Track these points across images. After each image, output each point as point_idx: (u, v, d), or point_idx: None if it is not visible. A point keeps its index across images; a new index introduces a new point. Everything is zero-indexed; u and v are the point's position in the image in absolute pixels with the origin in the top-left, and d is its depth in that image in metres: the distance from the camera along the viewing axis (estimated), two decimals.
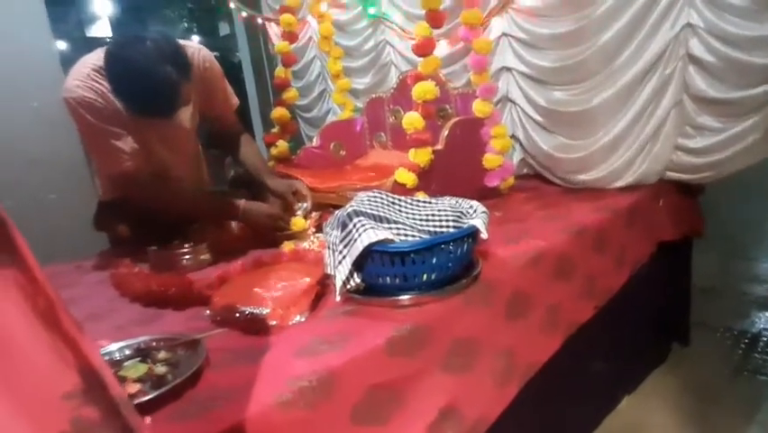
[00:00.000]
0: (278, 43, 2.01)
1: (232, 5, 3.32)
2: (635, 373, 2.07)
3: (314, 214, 1.76)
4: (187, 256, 1.49)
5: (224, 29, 7.19)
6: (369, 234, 1.05)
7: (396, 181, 1.54)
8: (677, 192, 1.95)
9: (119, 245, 1.76)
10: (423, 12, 1.61)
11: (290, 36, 2.04)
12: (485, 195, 1.85)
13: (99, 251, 1.85)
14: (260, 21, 3.14)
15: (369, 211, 1.13)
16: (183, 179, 1.72)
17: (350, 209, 1.12)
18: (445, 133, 1.65)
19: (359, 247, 1.05)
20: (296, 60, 2.09)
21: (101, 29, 8.20)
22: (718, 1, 1.52)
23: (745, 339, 2.55)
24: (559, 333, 1.39)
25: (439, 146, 1.63)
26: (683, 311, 2.33)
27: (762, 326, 2.67)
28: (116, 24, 8.08)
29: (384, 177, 1.84)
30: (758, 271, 3.25)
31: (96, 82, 1.45)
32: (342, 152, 2.22)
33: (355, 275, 1.11)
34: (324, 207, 1.79)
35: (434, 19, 1.52)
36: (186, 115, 1.68)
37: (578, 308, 1.48)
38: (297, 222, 1.68)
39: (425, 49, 1.53)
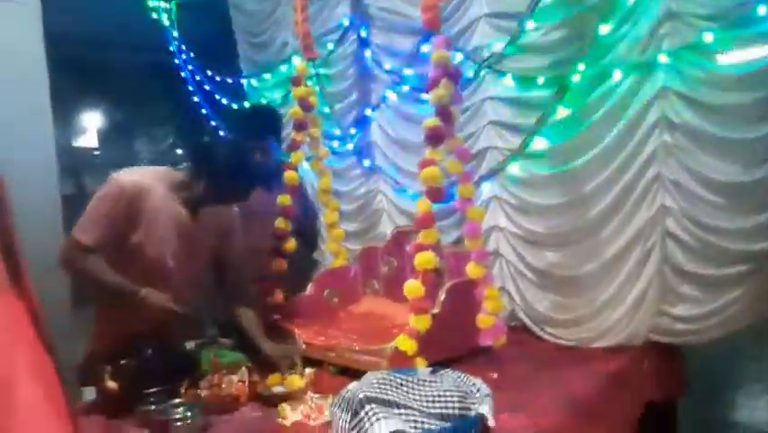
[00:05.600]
0: (281, 196, 2.12)
1: None
2: None
3: (308, 371, 1.75)
4: (179, 423, 1.44)
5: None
6: (381, 426, 1.05)
7: (396, 348, 1.56)
8: (661, 353, 2.01)
9: (106, 399, 1.69)
10: (415, 169, 1.75)
11: (293, 190, 2.16)
12: (478, 353, 1.88)
13: (87, 402, 1.76)
14: None
15: (378, 396, 1.15)
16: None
17: (360, 395, 1.13)
18: (442, 297, 1.71)
19: None
20: (295, 214, 2.19)
21: (87, 140, 8.38)
22: (691, 193, 1.70)
23: None
24: None
25: (436, 310, 1.68)
26: None
27: None
28: (103, 137, 8.30)
29: (379, 331, 1.87)
30: (736, 418, 3.26)
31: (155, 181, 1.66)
32: (335, 299, 2.25)
33: None
34: (320, 364, 1.79)
35: (435, 195, 1.65)
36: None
37: None
38: (293, 380, 1.66)
39: (425, 223, 1.64)
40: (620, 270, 1.88)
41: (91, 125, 8.50)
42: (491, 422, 1.13)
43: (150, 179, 1.68)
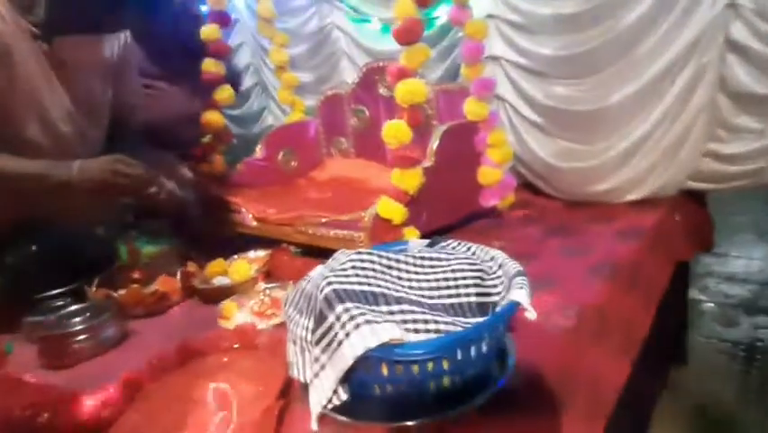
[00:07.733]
0: (205, 28, 1.54)
1: None
2: (642, 411, 1.79)
3: (261, 254, 1.34)
4: (81, 336, 1.03)
5: None
6: (362, 336, 0.65)
7: (377, 216, 1.13)
8: (692, 204, 1.67)
9: None
10: None
11: (221, 18, 1.57)
12: (478, 216, 1.49)
13: None
14: None
15: (356, 288, 0.73)
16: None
17: (328, 289, 0.71)
18: (435, 144, 1.26)
19: (348, 356, 0.65)
20: (229, 50, 1.63)
21: None
22: None
23: (741, 351, 2.38)
24: (602, 415, 1.05)
25: (427, 162, 1.23)
26: (681, 327, 2.11)
27: (752, 334, 2.52)
28: None
29: (352, 199, 1.43)
30: (733, 269, 3.15)
31: None
32: (294, 163, 1.79)
33: (340, 389, 0.71)
34: (276, 244, 1.37)
35: None
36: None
37: (616, 371, 1.15)
38: (239, 268, 1.25)
39: (409, 35, 1.12)
40: (660, 99, 1.43)
41: None
42: (532, 314, 0.74)
43: None
